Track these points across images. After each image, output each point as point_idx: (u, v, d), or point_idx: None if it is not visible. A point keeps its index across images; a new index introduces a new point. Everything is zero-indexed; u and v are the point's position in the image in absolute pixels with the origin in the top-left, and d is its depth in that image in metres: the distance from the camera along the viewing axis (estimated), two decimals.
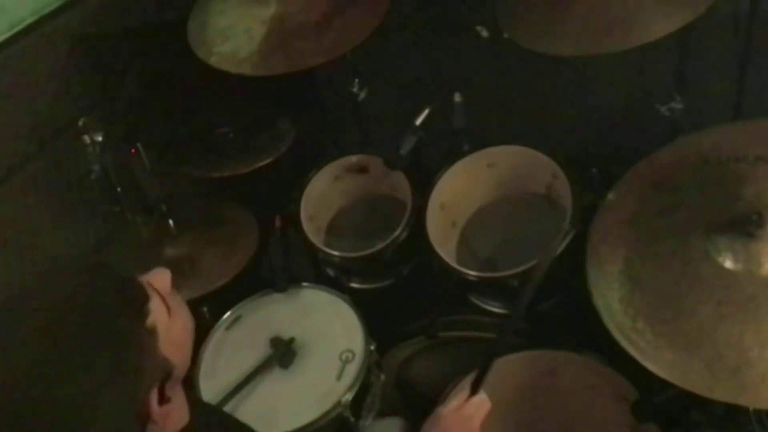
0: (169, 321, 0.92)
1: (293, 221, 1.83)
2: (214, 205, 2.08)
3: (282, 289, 1.73)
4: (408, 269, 1.83)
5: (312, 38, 1.71)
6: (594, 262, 1.23)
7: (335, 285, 1.75)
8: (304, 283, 1.74)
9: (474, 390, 1.22)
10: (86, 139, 1.65)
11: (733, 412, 1.27)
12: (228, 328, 1.70)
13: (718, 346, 1.05)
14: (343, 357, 1.56)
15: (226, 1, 1.83)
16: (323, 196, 1.92)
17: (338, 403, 1.48)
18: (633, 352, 1.09)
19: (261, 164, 2.04)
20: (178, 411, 1.00)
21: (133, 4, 2.02)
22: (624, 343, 1.10)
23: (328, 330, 1.63)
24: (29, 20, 1.77)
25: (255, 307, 1.73)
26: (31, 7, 1.77)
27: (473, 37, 1.98)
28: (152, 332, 0.89)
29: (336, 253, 1.76)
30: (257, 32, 1.74)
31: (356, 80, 1.98)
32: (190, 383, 1.58)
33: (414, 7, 2.25)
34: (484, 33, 1.96)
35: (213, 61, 1.72)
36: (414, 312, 1.72)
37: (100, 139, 1.65)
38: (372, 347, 1.58)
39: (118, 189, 1.73)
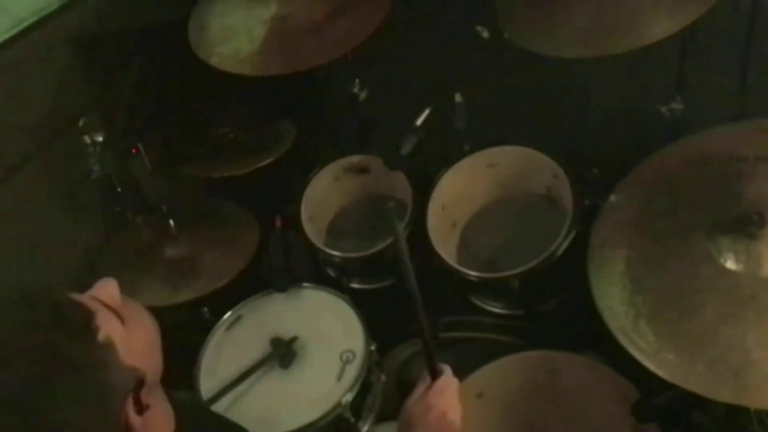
0: (124, 330, 0.90)
1: (293, 221, 1.82)
2: (214, 205, 2.08)
3: (282, 290, 1.73)
4: None
5: (313, 38, 1.71)
6: (595, 263, 1.23)
7: (336, 285, 1.75)
8: (305, 284, 1.74)
9: (433, 374, 1.18)
10: (86, 139, 1.65)
11: (735, 412, 1.26)
12: (228, 328, 1.70)
13: (720, 346, 1.05)
14: (344, 357, 1.56)
15: (226, 1, 1.83)
16: (324, 196, 1.91)
17: (338, 404, 1.48)
18: (634, 352, 1.09)
19: (261, 164, 2.04)
20: (161, 417, 0.97)
21: (133, 4, 2.02)
22: (625, 344, 1.10)
23: (329, 330, 1.63)
24: (29, 20, 1.77)
25: (255, 308, 1.73)
26: (31, 7, 1.77)
27: (473, 38, 1.98)
28: (108, 347, 0.86)
29: (336, 253, 1.76)
30: (258, 32, 1.74)
31: (357, 80, 1.98)
32: (190, 383, 1.59)
33: (414, 8, 2.25)
34: (485, 33, 1.96)
35: (214, 61, 1.72)
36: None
37: (100, 139, 1.65)
38: (372, 348, 1.58)
39: (119, 189, 1.73)
